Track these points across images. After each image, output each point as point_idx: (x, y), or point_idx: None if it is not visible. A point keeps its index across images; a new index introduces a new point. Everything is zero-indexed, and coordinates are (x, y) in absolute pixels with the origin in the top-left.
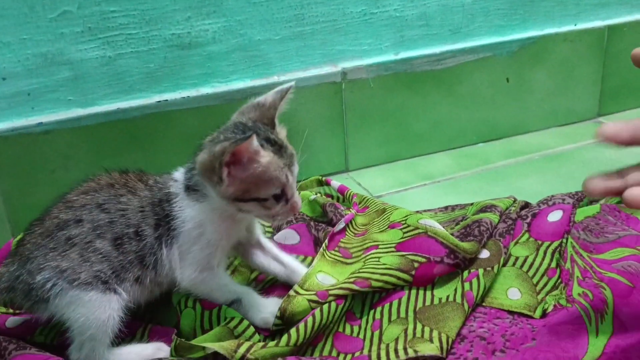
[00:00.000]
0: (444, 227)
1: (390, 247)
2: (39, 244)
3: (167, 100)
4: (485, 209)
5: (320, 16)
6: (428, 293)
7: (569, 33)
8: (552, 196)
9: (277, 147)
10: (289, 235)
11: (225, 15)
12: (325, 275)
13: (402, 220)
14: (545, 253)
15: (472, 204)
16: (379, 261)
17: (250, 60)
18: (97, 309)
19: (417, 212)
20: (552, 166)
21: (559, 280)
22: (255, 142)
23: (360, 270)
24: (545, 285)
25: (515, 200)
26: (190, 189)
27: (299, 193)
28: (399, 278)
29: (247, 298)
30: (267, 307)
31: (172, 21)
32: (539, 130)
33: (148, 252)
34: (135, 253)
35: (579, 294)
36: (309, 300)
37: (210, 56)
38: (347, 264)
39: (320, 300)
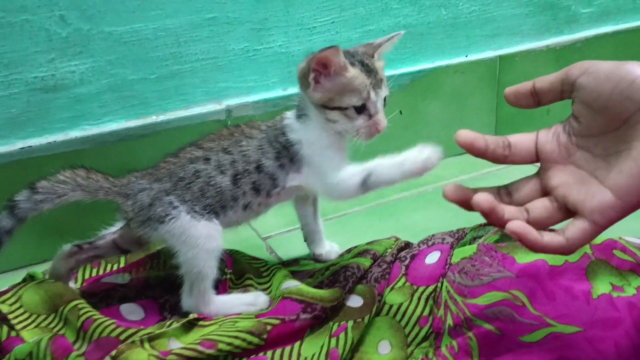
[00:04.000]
0: (316, 272)
1: (252, 315)
2: (172, 171)
3: (31, 146)
4: (359, 254)
5: (200, 54)
6: (294, 353)
7: (460, 64)
8: (433, 235)
9: (367, 69)
10: (132, 310)
11: (93, 55)
12: (176, 341)
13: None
14: (419, 299)
15: (350, 250)
16: (234, 325)
17: (124, 100)
18: (206, 239)
19: (296, 259)
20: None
21: (430, 330)
22: (341, 54)
23: (211, 333)
24: (416, 336)
25: (396, 240)
26: (299, 115)
27: None
28: (249, 342)
29: (379, 165)
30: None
31: (34, 64)
32: None
33: (266, 180)
34: (252, 184)
35: (446, 346)
36: (150, 355)
37: (79, 98)
38: (203, 326)
39: (160, 357)
